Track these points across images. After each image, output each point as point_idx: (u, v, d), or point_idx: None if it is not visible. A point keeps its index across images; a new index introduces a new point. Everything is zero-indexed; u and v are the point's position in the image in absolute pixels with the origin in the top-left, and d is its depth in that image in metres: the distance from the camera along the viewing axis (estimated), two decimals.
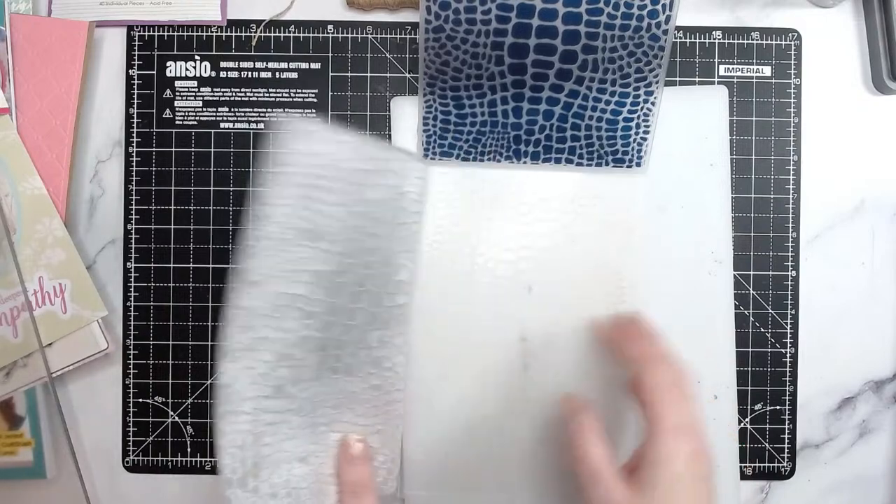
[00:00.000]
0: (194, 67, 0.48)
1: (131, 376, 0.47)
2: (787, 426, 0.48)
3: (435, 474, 0.45)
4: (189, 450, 0.47)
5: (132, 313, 0.47)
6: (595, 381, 0.45)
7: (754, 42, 0.48)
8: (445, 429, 0.45)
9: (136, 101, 0.48)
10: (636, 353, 0.39)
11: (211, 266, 0.47)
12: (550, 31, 0.42)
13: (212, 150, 0.48)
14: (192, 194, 0.47)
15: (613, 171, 0.46)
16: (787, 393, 0.48)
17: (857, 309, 0.48)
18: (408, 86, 0.48)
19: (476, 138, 0.45)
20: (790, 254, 0.48)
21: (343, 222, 0.39)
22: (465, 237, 0.46)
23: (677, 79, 0.48)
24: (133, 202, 0.47)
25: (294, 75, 0.48)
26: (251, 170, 0.48)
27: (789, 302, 0.48)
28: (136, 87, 0.48)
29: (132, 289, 0.47)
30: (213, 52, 0.48)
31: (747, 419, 0.47)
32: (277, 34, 0.48)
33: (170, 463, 0.47)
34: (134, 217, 0.47)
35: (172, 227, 0.47)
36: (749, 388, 0.47)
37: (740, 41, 0.48)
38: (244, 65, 0.48)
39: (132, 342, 0.47)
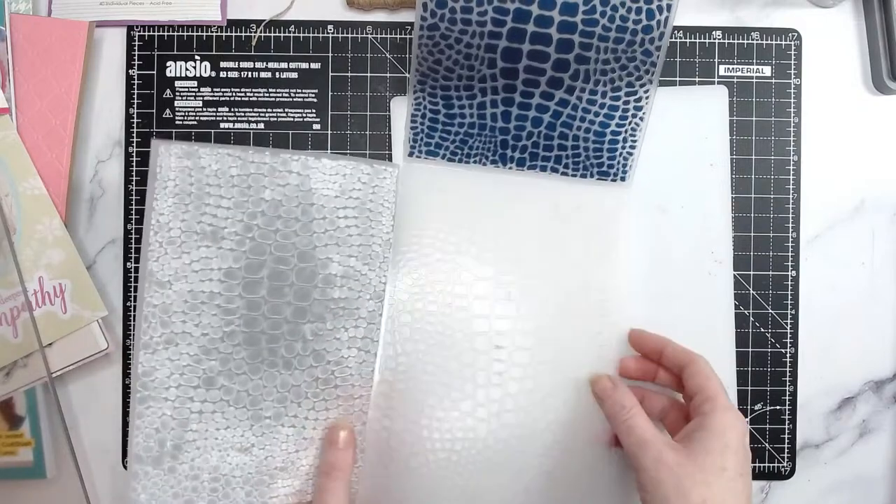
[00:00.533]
0: (194, 67, 0.48)
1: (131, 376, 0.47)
2: (787, 426, 0.48)
3: (403, 484, 0.44)
4: None
5: (132, 313, 0.47)
6: (574, 388, 0.45)
7: (754, 42, 0.48)
8: (407, 430, 0.44)
9: (136, 101, 0.48)
10: (679, 351, 0.42)
11: None
12: (545, 39, 0.42)
13: None
14: None
15: (598, 183, 0.46)
16: (787, 393, 0.48)
17: (857, 309, 0.48)
18: (408, 86, 0.48)
19: (463, 140, 0.46)
20: (790, 254, 0.48)
21: (244, 223, 0.41)
22: (444, 240, 0.45)
23: (677, 79, 0.48)
24: (133, 202, 0.47)
25: (294, 75, 0.48)
26: None
27: (789, 302, 0.48)
28: (136, 87, 0.48)
29: (132, 289, 0.47)
30: (213, 52, 0.48)
31: (747, 419, 0.47)
32: (277, 34, 0.48)
33: None
34: (134, 217, 0.47)
35: None
36: (749, 388, 0.47)
37: (740, 41, 0.48)
38: (244, 65, 0.48)
39: (132, 342, 0.47)
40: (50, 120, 0.46)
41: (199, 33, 0.48)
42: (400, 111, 0.47)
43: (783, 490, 0.48)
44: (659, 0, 0.42)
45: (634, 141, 0.46)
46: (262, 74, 0.48)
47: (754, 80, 0.48)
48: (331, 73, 0.48)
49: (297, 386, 0.42)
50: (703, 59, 0.48)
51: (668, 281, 0.47)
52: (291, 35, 0.48)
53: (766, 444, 0.48)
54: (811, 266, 0.48)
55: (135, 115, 0.48)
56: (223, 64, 0.48)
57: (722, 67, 0.48)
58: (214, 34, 0.48)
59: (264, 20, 0.48)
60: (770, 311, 0.48)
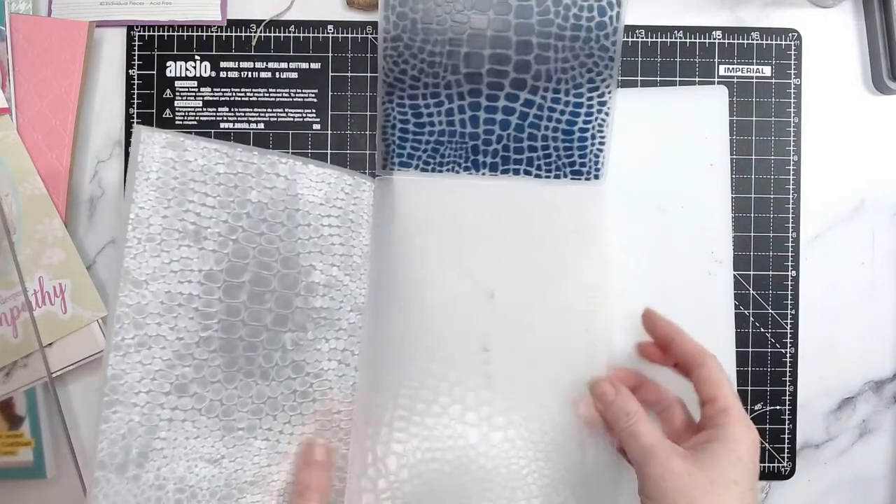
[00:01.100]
0: (194, 67, 0.48)
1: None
2: (787, 426, 0.48)
3: (393, 493, 0.42)
4: None
5: None
6: (562, 387, 0.43)
7: (754, 42, 0.48)
8: (395, 438, 0.43)
9: (136, 101, 0.48)
10: (690, 347, 0.40)
11: None
12: (504, 42, 0.44)
13: None
14: None
15: (572, 183, 0.46)
16: (787, 393, 0.48)
17: (857, 309, 0.48)
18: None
19: (434, 148, 0.46)
20: (790, 254, 0.48)
21: (228, 224, 0.40)
22: (421, 244, 0.45)
23: (677, 79, 0.48)
24: None
25: (294, 75, 0.48)
26: None
27: (789, 302, 0.48)
28: (136, 87, 0.48)
29: None
30: (213, 52, 0.48)
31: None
32: (277, 34, 0.48)
33: None
34: None
35: None
36: (749, 388, 0.47)
37: (740, 41, 0.48)
38: (244, 65, 0.48)
39: None
40: (50, 120, 0.46)
41: (199, 33, 0.48)
42: None
43: (783, 490, 0.48)
44: None
45: (603, 137, 0.46)
46: (262, 74, 0.48)
47: (754, 80, 0.48)
48: (331, 73, 0.48)
49: (274, 398, 0.40)
50: (703, 59, 0.48)
51: (668, 281, 0.46)
52: (291, 35, 0.48)
53: (766, 444, 0.48)
54: (811, 266, 0.48)
55: (135, 115, 0.48)
56: (223, 64, 0.48)
57: (722, 67, 0.48)
58: (214, 34, 0.48)
59: (264, 20, 0.48)
60: (770, 311, 0.48)
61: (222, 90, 0.48)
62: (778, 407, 0.48)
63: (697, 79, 0.48)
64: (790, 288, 0.48)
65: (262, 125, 0.48)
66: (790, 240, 0.48)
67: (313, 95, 0.48)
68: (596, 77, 0.45)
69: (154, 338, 0.38)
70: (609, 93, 0.45)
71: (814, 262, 0.48)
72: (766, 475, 0.48)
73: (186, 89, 0.48)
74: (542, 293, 0.45)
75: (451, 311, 0.44)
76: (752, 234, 0.48)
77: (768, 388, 0.48)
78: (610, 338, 0.45)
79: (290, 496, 0.40)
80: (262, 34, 0.48)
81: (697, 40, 0.48)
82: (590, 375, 0.43)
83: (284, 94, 0.48)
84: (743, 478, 0.35)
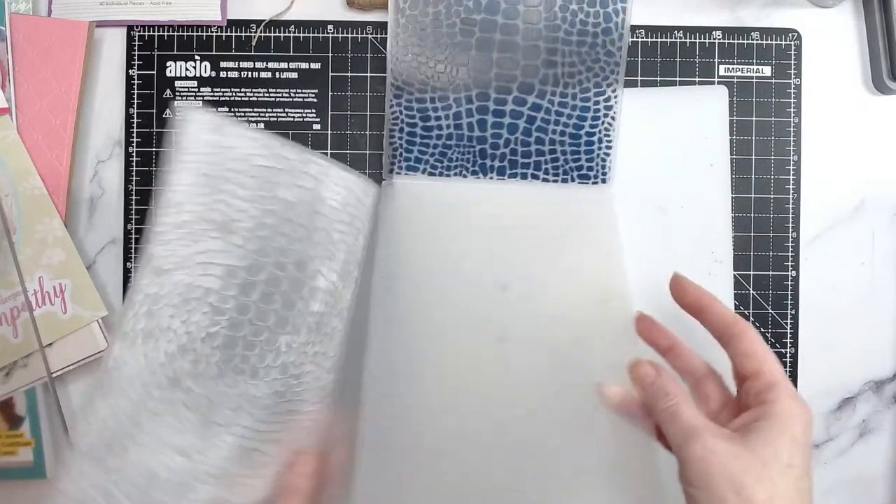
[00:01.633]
0: (194, 67, 0.48)
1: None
2: None
3: (406, 487, 0.43)
4: None
5: None
6: (579, 376, 0.43)
7: (754, 42, 0.48)
8: (418, 438, 0.43)
9: (136, 101, 0.48)
10: (726, 317, 0.37)
11: None
12: (512, 46, 0.45)
13: None
14: None
15: (580, 187, 0.46)
16: None
17: (857, 309, 0.48)
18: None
19: (442, 152, 0.46)
20: (790, 254, 0.48)
21: (256, 219, 0.38)
22: (434, 247, 0.45)
23: (677, 79, 0.48)
24: (133, 202, 0.47)
25: (294, 75, 0.48)
26: None
27: (789, 302, 0.48)
28: (136, 87, 0.48)
29: None
30: (213, 52, 0.48)
31: None
32: (277, 34, 0.48)
33: None
34: (134, 217, 0.47)
35: None
36: None
37: (740, 41, 0.48)
38: (244, 65, 0.48)
39: None
40: (50, 120, 0.46)
41: (199, 33, 0.48)
42: None
43: None
44: (614, 4, 0.45)
45: (610, 141, 0.46)
46: (262, 74, 0.48)
47: (754, 80, 0.48)
48: (331, 73, 0.48)
49: (257, 396, 0.39)
50: (703, 59, 0.48)
51: (668, 281, 0.46)
52: (291, 35, 0.48)
53: None
54: (811, 266, 0.48)
55: (135, 115, 0.48)
56: (223, 64, 0.48)
57: (722, 67, 0.48)
58: (214, 34, 0.48)
59: (264, 20, 0.48)
60: (770, 311, 0.48)
61: (222, 90, 0.48)
62: None
63: (697, 79, 0.48)
64: (790, 288, 0.48)
65: (262, 125, 0.48)
66: (790, 240, 0.48)
67: (313, 95, 0.48)
68: (602, 81, 0.46)
69: (164, 330, 0.37)
70: (615, 97, 0.46)
71: (814, 262, 0.48)
72: None
73: (186, 89, 0.48)
74: (554, 289, 0.45)
75: (467, 303, 0.45)
76: (752, 234, 0.48)
77: None
78: (628, 331, 0.44)
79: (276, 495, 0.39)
80: (262, 34, 0.48)
81: (697, 40, 0.48)
82: (605, 363, 0.42)
83: (284, 94, 0.48)
84: (798, 460, 0.32)
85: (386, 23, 0.48)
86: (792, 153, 0.48)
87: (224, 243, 0.37)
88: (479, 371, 0.44)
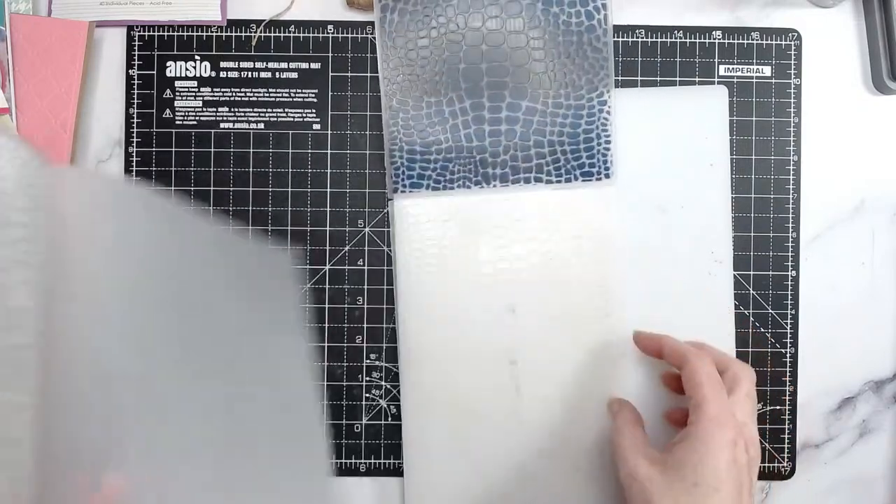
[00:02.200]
0: (194, 67, 0.48)
1: None
2: (787, 426, 0.48)
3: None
4: None
5: None
6: (589, 396, 0.45)
7: (754, 42, 0.48)
8: (436, 460, 0.46)
9: (136, 101, 0.48)
10: (675, 349, 0.41)
11: None
12: (500, 54, 0.46)
13: (212, 150, 0.48)
14: (191, 194, 0.47)
15: (584, 185, 0.46)
16: (787, 393, 0.48)
17: (857, 309, 0.48)
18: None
19: (443, 166, 0.46)
20: (790, 254, 0.48)
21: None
22: (441, 265, 0.46)
23: (677, 79, 0.48)
24: None
25: (294, 75, 0.48)
26: (251, 170, 0.48)
27: (789, 302, 0.48)
28: (136, 87, 0.48)
29: None
30: (213, 52, 0.48)
31: None
32: (277, 34, 0.48)
33: None
34: None
35: None
36: None
37: (740, 41, 0.48)
38: (244, 65, 0.48)
39: None
40: (50, 120, 0.46)
41: (199, 33, 0.48)
42: None
43: (783, 490, 0.48)
44: (594, 2, 0.46)
45: (608, 136, 0.46)
46: (262, 74, 0.48)
47: (754, 80, 0.48)
48: (331, 73, 0.48)
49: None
50: (703, 59, 0.48)
51: (668, 281, 0.47)
52: (291, 35, 0.48)
53: (766, 444, 0.47)
54: (811, 266, 0.48)
55: (135, 115, 0.48)
56: (223, 64, 0.48)
57: (722, 67, 0.48)
58: (214, 34, 0.48)
59: (264, 20, 0.48)
60: (770, 311, 0.48)
61: (222, 90, 0.48)
62: (778, 407, 0.48)
63: (697, 79, 0.48)
64: (790, 288, 0.48)
65: (262, 125, 0.48)
66: (790, 240, 0.48)
67: (313, 95, 0.48)
68: (594, 78, 0.46)
69: None
70: (608, 92, 0.46)
71: (814, 262, 0.48)
72: (766, 475, 0.48)
73: (186, 89, 0.48)
74: (561, 302, 0.46)
75: (479, 326, 0.46)
76: (752, 234, 0.48)
77: (768, 388, 0.48)
78: (623, 337, 0.46)
79: None
80: (262, 34, 0.48)
81: (697, 40, 0.48)
82: (614, 376, 0.45)
83: (284, 94, 0.48)
84: (707, 478, 0.35)
85: None
86: (792, 153, 0.48)
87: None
88: (492, 396, 0.46)
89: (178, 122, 0.48)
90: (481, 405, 0.45)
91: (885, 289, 0.48)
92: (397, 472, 0.47)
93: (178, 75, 0.48)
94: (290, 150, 0.48)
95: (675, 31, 0.48)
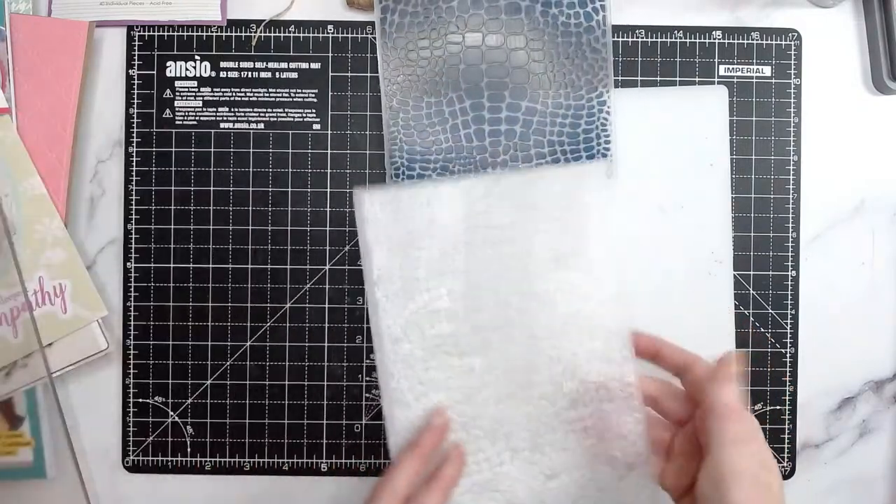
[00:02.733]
0: (194, 67, 0.48)
1: (131, 376, 0.47)
2: (787, 426, 0.48)
3: None
4: (189, 450, 0.47)
5: (132, 313, 0.47)
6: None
7: (754, 42, 0.48)
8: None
9: (136, 101, 0.48)
10: (682, 354, 0.38)
11: (211, 266, 0.47)
12: (499, 54, 0.46)
13: (212, 150, 0.48)
14: (192, 194, 0.47)
15: (582, 179, 0.45)
16: (787, 393, 0.48)
17: (857, 309, 0.48)
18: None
19: (443, 166, 0.46)
20: (790, 254, 0.48)
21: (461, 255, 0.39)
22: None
23: (677, 79, 0.48)
24: (133, 202, 0.47)
25: (294, 75, 0.48)
26: (251, 170, 0.48)
27: (789, 302, 0.48)
28: (136, 87, 0.48)
29: (132, 289, 0.47)
30: (213, 52, 0.48)
31: None
32: (277, 34, 0.48)
33: (170, 463, 0.47)
34: (134, 217, 0.47)
35: (172, 227, 0.47)
36: (749, 388, 0.47)
37: (740, 41, 0.48)
38: (244, 65, 0.48)
39: (132, 342, 0.47)
40: (50, 120, 0.46)
41: (199, 33, 0.48)
42: None
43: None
44: (592, 3, 0.46)
45: (608, 136, 0.46)
46: (262, 74, 0.48)
47: (754, 80, 0.48)
48: (331, 73, 0.48)
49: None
50: (703, 59, 0.48)
51: (668, 281, 0.47)
52: (291, 35, 0.48)
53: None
54: (811, 266, 0.48)
55: (135, 115, 0.48)
56: (223, 64, 0.48)
57: (722, 67, 0.48)
58: (214, 34, 0.48)
59: (264, 20, 0.48)
60: (770, 311, 0.48)
61: (222, 90, 0.48)
62: (778, 407, 0.48)
63: (697, 79, 0.48)
64: (790, 288, 0.48)
65: (262, 125, 0.48)
66: (790, 240, 0.48)
67: (313, 95, 0.48)
68: (593, 78, 0.46)
69: (428, 383, 0.39)
70: (607, 92, 0.46)
71: (814, 262, 0.48)
72: None
73: (186, 89, 0.48)
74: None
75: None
76: (752, 234, 0.48)
77: (768, 388, 0.48)
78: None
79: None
80: (262, 34, 0.48)
81: (697, 40, 0.48)
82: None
83: (284, 94, 0.48)
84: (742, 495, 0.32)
85: None
86: (792, 153, 0.48)
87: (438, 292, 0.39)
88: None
89: (178, 122, 0.48)
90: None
91: (885, 289, 0.48)
92: None
93: (178, 75, 0.48)
94: (290, 150, 0.48)
95: (675, 31, 0.48)
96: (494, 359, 0.39)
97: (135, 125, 0.48)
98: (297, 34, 0.48)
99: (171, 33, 0.48)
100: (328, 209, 0.48)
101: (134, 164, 0.47)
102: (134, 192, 0.47)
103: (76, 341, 0.46)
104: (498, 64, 0.46)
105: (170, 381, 0.47)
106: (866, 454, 0.48)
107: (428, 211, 0.39)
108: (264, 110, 0.48)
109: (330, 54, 0.48)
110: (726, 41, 0.48)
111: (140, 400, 0.47)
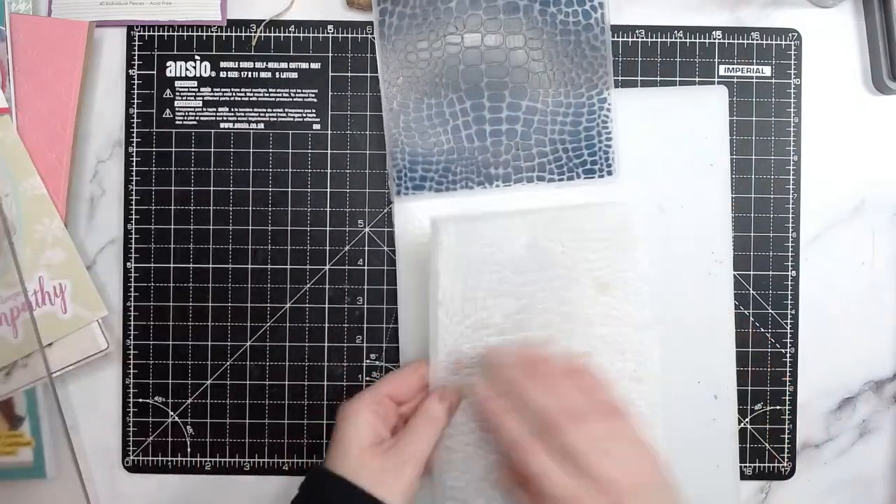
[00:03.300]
0: (194, 67, 0.48)
1: (131, 376, 0.47)
2: (787, 426, 0.48)
3: None
4: (189, 450, 0.47)
5: (132, 313, 0.47)
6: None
7: (754, 42, 0.48)
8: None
9: (136, 101, 0.48)
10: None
11: (211, 266, 0.47)
12: (498, 54, 0.46)
13: (212, 150, 0.48)
14: (192, 194, 0.47)
15: (586, 182, 0.46)
16: (787, 393, 0.48)
17: (857, 309, 0.48)
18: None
19: (445, 167, 0.46)
20: (790, 254, 0.48)
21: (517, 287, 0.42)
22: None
23: (677, 79, 0.48)
24: (133, 202, 0.47)
25: (294, 75, 0.48)
26: (251, 170, 0.48)
27: (789, 302, 0.48)
28: (136, 87, 0.48)
29: (132, 289, 0.47)
30: (213, 52, 0.48)
31: (747, 419, 0.47)
32: (277, 34, 0.48)
33: (170, 463, 0.47)
34: (134, 217, 0.47)
35: (172, 227, 0.47)
36: (749, 388, 0.47)
37: (740, 41, 0.48)
38: (244, 65, 0.48)
39: (132, 342, 0.47)
40: (50, 120, 0.46)
41: (199, 33, 0.48)
42: None
43: (783, 490, 0.48)
44: (591, 0, 0.46)
45: (609, 134, 0.46)
46: (262, 74, 0.48)
47: (754, 80, 0.48)
48: (331, 73, 0.48)
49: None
50: (703, 59, 0.48)
51: (668, 281, 0.46)
52: (291, 35, 0.48)
53: (766, 444, 0.48)
54: (811, 266, 0.48)
55: (135, 115, 0.48)
56: (223, 64, 0.48)
57: (722, 67, 0.48)
58: (214, 34, 0.48)
59: (264, 20, 0.48)
60: (770, 311, 0.48)
61: (222, 90, 0.48)
62: (778, 407, 0.48)
63: (697, 79, 0.48)
64: (790, 288, 0.48)
65: (262, 125, 0.48)
66: (790, 240, 0.48)
67: (313, 95, 0.48)
68: (593, 76, 0.46)
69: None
70: (607, 90, 0.46)
71: (814, 262, 0.48)
72: (766, 475, 0.48)
73: (186, 89, 0.48)
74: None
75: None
76: (752, 234, 0.48)
77: (768, 388, 0.48)
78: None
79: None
80: (262, 34, 0.48)
81: (697, 40, 0.48)
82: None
83: (284, 94, 0.48)
84: None
85: None
86: (792, 153, 0.48)
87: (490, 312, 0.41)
88: None
89: (178, 122, 0.48)
90: None
91: (885, 289, 0.48)
92: None
93: (178, 75, 0.48)
94: (290, 150, 0.48)
95: (675, 31, 0.48)
96: None
97: (135, 125, 0.48)
98: (296, 34, 0.48)
99: (171, 33, 0.48)
100: (328, 209, 0.48)
101: (134, 164, 0.47)
102: (134, 192, 0.47)
103: (76, 341, 0.46)
104: (497, 64, 0.46)
105: (170, 381, 0.47)
106: (866, 454, 0.48)
107: (497, 241, 0.41)
108: (264, 110, 0.48)
109: (330, 54, 0.48)
110: (726, 41, 0.48)
111: (140, 400, 0.47)
